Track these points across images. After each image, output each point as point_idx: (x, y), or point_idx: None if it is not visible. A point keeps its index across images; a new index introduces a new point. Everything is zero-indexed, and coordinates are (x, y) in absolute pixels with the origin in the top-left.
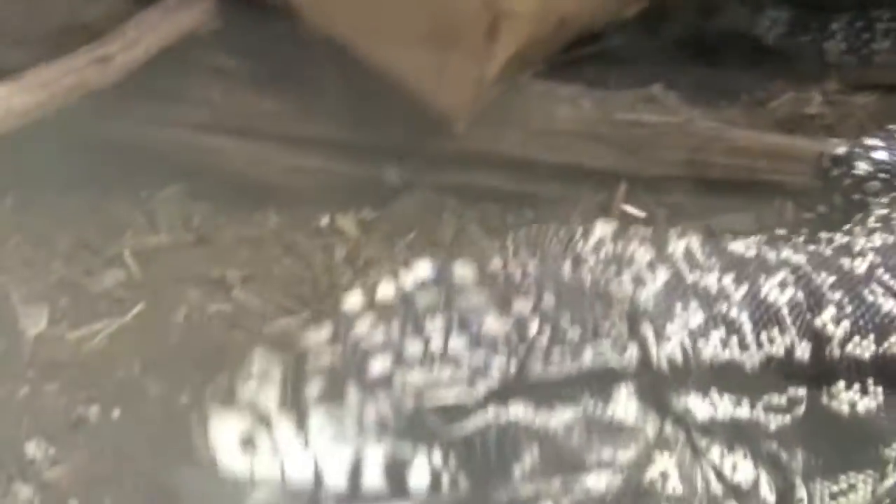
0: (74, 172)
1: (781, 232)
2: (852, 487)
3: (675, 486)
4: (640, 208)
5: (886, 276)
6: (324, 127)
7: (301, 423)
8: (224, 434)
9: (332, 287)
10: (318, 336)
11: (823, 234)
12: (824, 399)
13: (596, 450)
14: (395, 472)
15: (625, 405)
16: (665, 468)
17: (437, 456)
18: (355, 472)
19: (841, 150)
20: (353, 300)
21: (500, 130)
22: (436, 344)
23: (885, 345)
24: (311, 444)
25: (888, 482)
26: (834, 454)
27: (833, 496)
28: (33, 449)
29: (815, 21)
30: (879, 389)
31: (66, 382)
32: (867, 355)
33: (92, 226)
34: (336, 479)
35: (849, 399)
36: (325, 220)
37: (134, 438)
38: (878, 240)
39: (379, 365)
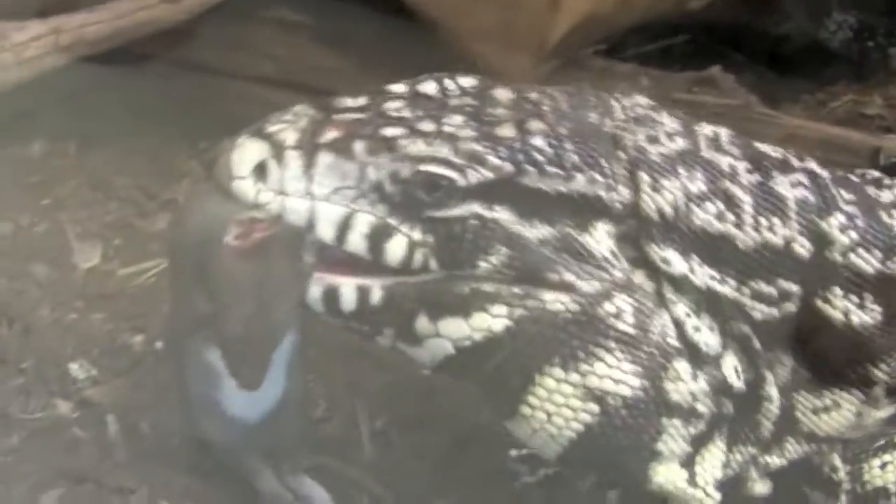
0: (137, 121)
1: None
2: (836, 405)
3: (627, 325)
4: None
5: None
6: (379, 84)
7: (308, 165)
8: (241, 159)
9: None
10: (354, 102)
11: (858, 169)
12: (818, 302)
13: (560, 272)
14: (377, 239)
15: (600, 240)
16: (622, 307)
17: (417, 233)
18: (343, 230)
19: None
20: (396, 86)
21: None
22: (447, 129)
23: (890, 264)
24: (312, 189)
25: (879, 413)
26: (821, 366)
27: (815, 411)
28: (76, 369)
29: (881, 26)
30: (877, 308)
31: (112, 313)
32: (870, 269)
33: (149, 172)
34: (324, 230)
35: (843, 307)
36: None
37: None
38: None
39: (391, 131)
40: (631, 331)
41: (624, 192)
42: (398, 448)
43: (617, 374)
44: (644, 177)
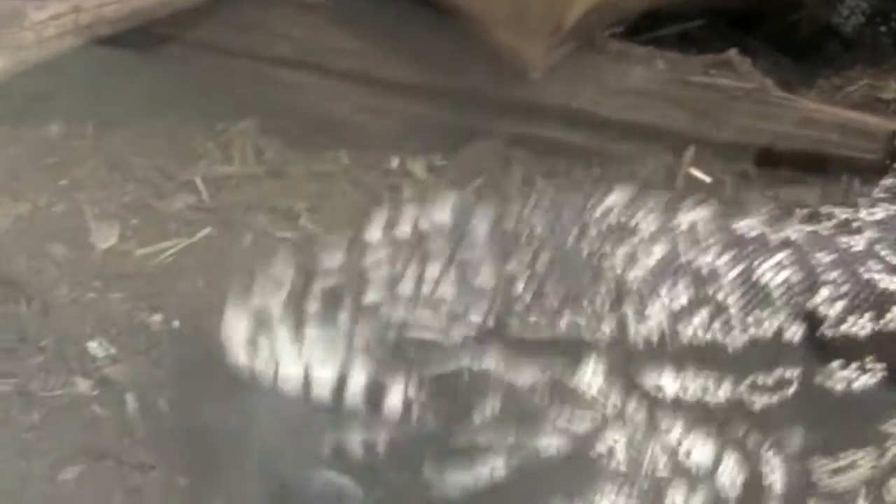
0: (155, 102)
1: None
2: (853, 464)
3: (620, 462)
4: (707, 173)
5: (885, 252)
6: (401, 69)
7: (297, 335)
8: (233, 335)
9: None
10: (332, 260)
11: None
12: (818, 379)
13: (552, 416)
14: (374, 397)
15: (590, 378)
16: (613, 444)
17: (413, 388)
18: (339, 388)
19: None
20: (371, 233)
21: (573, 85)
22: (426, 289)
23: (883, 321)
24: (303, 355)
25: (889, 455)
26: (830, 432)
27: (833, 473)
28: (95, 347)
29: (894, 12)
30: (879, 366)
31: (130, 292)
32: (864, 332)
33: (167, 153)
34: (321, 391)
35: (845, 377)
36: (395, 162)
37: (192, 348)
38: (880, 213)
39: (372, 296)
40: (624, 468)
41: (609, 326)
42: None
43: None
44: (627, 309)
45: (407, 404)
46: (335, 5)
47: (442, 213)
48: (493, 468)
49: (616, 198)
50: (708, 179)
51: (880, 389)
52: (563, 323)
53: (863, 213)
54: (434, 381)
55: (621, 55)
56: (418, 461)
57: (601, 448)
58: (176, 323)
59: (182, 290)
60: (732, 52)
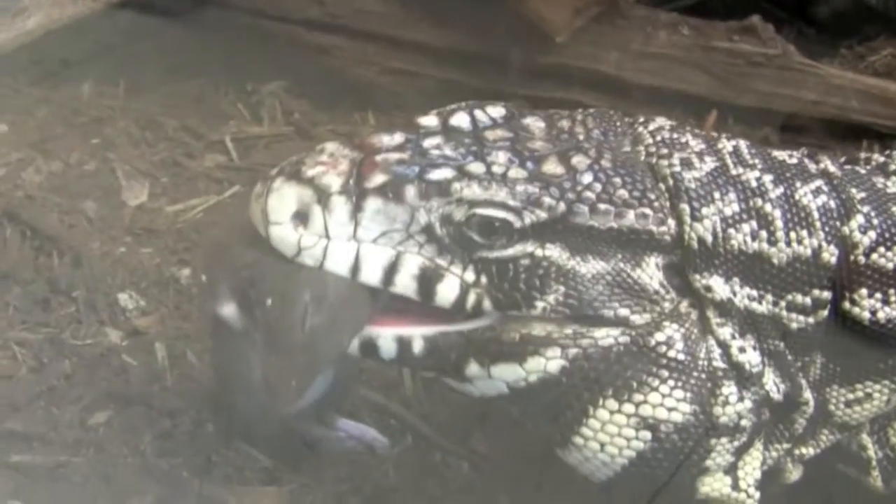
0: (185, 63)
1: None
2: (868, 396)
3: (678, 353)
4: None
5: None
6: (429, 33)
7: (355, 210)
8: (281, 204)
9: None
10: (391, 140)
11: (863, 154)
12: (846, 304)
13: (613, 307)
14: (427, 281)
15: (651, 273)
16: (672, 336)
17: (470, 274)
18: (390, 272)
19: None
20: (428, 120)
21: (598, 50)
22: (497, 169)
23: None
24: (358, 233)
25: None
26: (851, 362)
27: (848, 403)
28: (125, 299)
29: None
30: None
31: (160, 248)
32: (892, 265)
33: (197, 113)
34: (371, 273)
35: (870, 306)
36: None
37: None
38: None
39: (441, 173)
40: (681, 358)
41: (670, 224)
42: (438, 382)
43: (669, 402)
44: (685, 207)
45: (463, 291)
46: None
47: (495, 109)
48: (547, 361)
49: (662, 121)
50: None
51: None
52: (631, 216)
53: None
54: (495, 264)
55: (646, 20)
56: (462, 358)
57: (660, 338)
58: (204, 277)
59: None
60: (756, 19)
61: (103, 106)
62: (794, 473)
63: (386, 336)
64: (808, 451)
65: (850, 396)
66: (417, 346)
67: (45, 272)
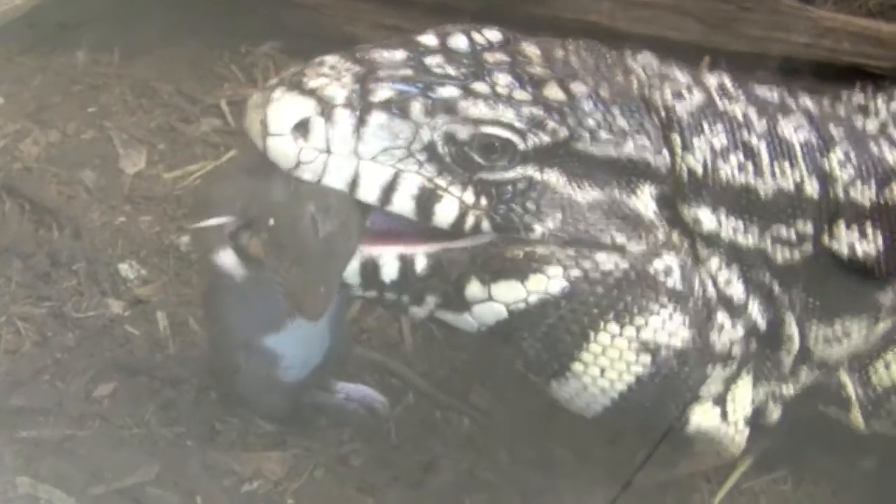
0: (178, 27)
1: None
2: (846, 334)
3: (675, 281)
4: None
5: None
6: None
7: (358, 125)
8: (282, 115)
9: None
10: (392, 56)
11: (845, 93)
12: (825, 238)
13: (611, 233)
14: (426, 201)
15: (646, 202)
16: (669, 264)
17: (469, 195)
18: (388, 191)
19: None
20: (427, 38)
21: (590, 0)
22: (502, 90)
23: (884, 193)
24: (359, 148)
25: (881, 326)
26: (831, 297)
27: (827, 340)
28: (126, 269)
29: None
30: (878, 235)
31: (159, 215)
32: (867, 201)
33: (192, 77)
34: (369, 191)
35: (848, 240)
36: None
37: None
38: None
39: (447, 91)
40: (679, 286)
41: (666, 155)
42: (438, 340)
43: (669, 327)
44: (676, 138)
45: (462, 212)
46: None
47: (491, 32)
48: (549, 279)
49: (649, 56)
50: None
51: (877, 259)
52: (630, 145)
53: (879, 103)
54: (495, 185)
55: None
56: (464, 276)
57: (658, 266)
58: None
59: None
60: None
61: (98, 73)
62: (775, 413)
63: (388, 255)
64: (789, 389)
65: (829, 333)
66: (420, 264)
67: (45, 245)
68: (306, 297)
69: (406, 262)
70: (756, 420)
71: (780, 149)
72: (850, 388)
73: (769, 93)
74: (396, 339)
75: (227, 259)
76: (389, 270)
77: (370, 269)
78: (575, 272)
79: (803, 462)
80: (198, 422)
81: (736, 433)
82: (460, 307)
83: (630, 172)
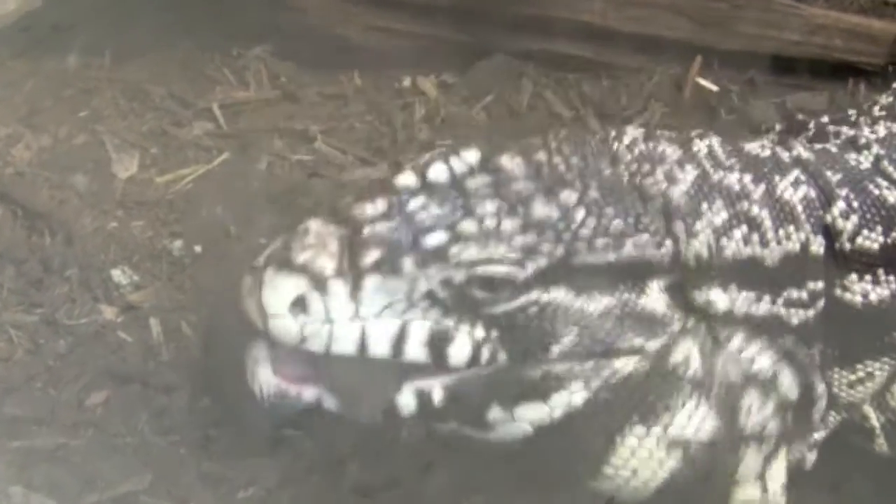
0: (170, 31)
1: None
2: (869, 375)
3: (696, 370)
4: (714, 82)
5: (891, 168)
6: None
7: (354, 290)
8: (277, 296)
9: (410, 142)
10: (374, 208)
11: (831, 128)
12: (838, 291)
13: (627, 337)
14: (438, 344)
15: (656, 297)
16: (688, 354)
17: (479, 331)
18: (399, 343)
19: None
20: (405, 179)
21: None
22: (489, 223)
23: (891, 234)
24: (360, 311)
25: None
26: (849, 344)
27: (851, 385)
28: (118, 275)
29: None
30: (891, 278)
31: (152, 220)
32: (876, 246)
33: (183, 81)
34: (379, 348)
35: (862, 290)
36: (406, 82)
37: (213, 272)
38: (882, 130)
39: (435, 238)
40: (699, 376)
41: (668, 245)
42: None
43: (695, 421)
44: (679, 225)
45: (475, 348)
46: None
47: (468, 153)
48: (571, 394)
49: (633, 132)
50: (715, 88)
51: (892, 301)
52: (629, 246)
53: (866, 131)
54: (503, 317)
55: None
56: (484, 403)
57: (676, 359)
58: (197, 248)
59: (202, 216)
60: None
61: (90, 77)
62: (811, 459)
63: (404, 391)
64: (819, 435)
65: (852, 377)
66: (437, 396)
67: (37, 251)
68: (364, 399)
69: (423, 397)
70: (793, 474)
71: (782, 212)
72: (874, 419)
73: (760, 151)
74: None
75: (262, 372)
76: (407, 405)
77: (389, 410)
78: (596, 382)
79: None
80: (191, 429)
81: (777, 501)
82: (484, 427)
83: (635, 271)
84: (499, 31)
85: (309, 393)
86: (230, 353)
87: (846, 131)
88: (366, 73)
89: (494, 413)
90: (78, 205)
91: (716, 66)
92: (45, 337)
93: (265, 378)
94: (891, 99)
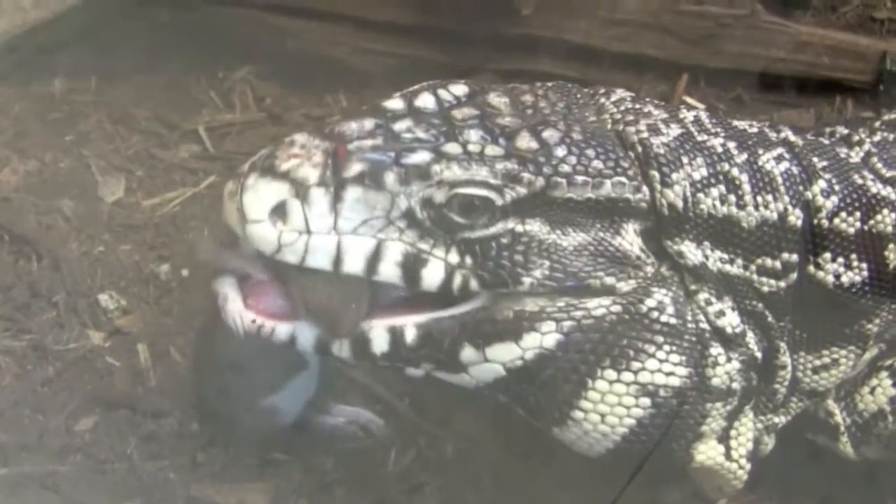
0: (155, 53)
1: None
2: (835, 362)
3: (668, 317)
4: (701, 100)
5: (879, 165)
6: (394, 10)
7: (334, 201)
8: (258, 201)
9: None
10: (361, 126)
11: (828, 128)
12: (811, 268)
13: (599, 275)
14: (411, 266)
15: (631, 240)
16: (662, 300)
17: (454, 256)
18: (373, 261)
19: None
20: (393, 103)
21: (566, 18)
22: (473, 148)
23: (869, 222)
24: (339, 224)
25: (867, 355)
26: (819, 327)
27: (815, 370)
28: (106, 300)
29: None
30: (863, 265)
31: (139, 243)
32: (853, 230)
33: (169, 103)
34: (354, 264)
35: (834, 270)
36: None
37: (200, 295)
38: (878, 136)
39: (418, 157)
40: (673, 322)
41: (646, 191)
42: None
43: (667, 367)
44: (655, 174)
45: (448, 273)
46: None
47: (457, 87)
48: (543, 335)
49: (622, 92)
50: (702, 106)
51: (864, 288)
52: (608, 185)
53: (863, 135)
54: (478, 243)
55: None
56: (457, 343)
57: (650, 303)
58: (184, 272)
59: (190, 240)
60: None
61: (76, 100)
62: (770, 444)
63: (377, 328)
64: (780, 419)
65: (818, 363)
66: (410, 335)
67: (24, 277)
68: (339, 317)
69: (396, 335)
70: (752, 454)
71: (762, 180)
72: (839, 416)
73: (748, 127)
74: None
75: (233, 307)
76: (380, 343)
77: (360, 343)
78: (568, 323)
79: (790, 480)
80: (180, 454)
81: (739, 469)
82: (456, 369)
83: (611, 212)
84: (484, 51)
85: (282, 329)
86: (219, 377)
87: (841, 130)
88: (351, 94)
89: (467, 354)
90: (65, 229)
91: (702, 83)
92: (32, 363)
93: (236, 311)
94: (893, 115)
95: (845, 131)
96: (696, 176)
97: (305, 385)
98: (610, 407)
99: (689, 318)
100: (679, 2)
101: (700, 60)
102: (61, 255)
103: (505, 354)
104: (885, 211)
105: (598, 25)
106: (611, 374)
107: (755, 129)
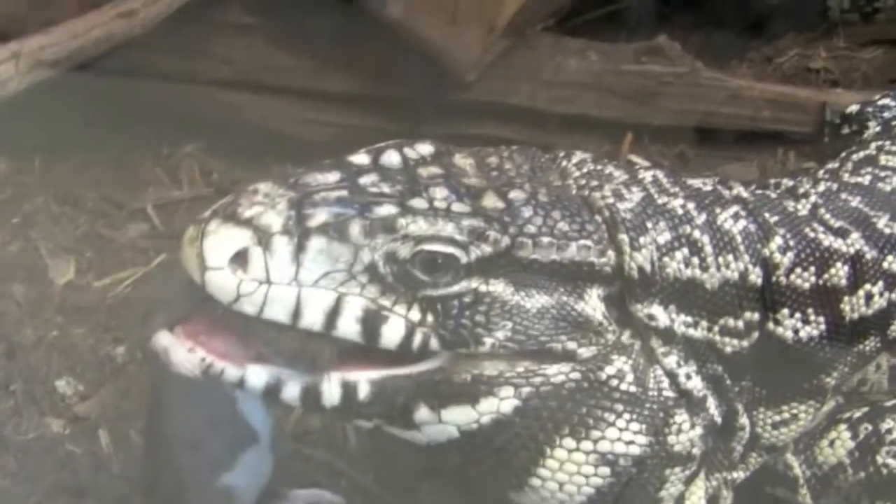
0: (97, 128)
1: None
2: (794, 417)
3: (629, 386)
4: (646, 158)
5: (828, 216)
6: (339, 81)
7: (297, 251)
8: (219, 247)
9: None
10: (325, 178)
11: (772, 180)
12: (770, 325)
13: (561, 340)
14: (372, 323)
15: (594, 305)
16: (622, 368)
17: (415, 313)
18: (333, 316)
19: (853, 107)
20: (358, 158)
21: (509, 82)
22: (440, 204)
23: (824, 276)
24: (300, 275)
25: (826, 408)
26: (779, 383)
27: (775, 425)
28: (63, 385)
29: None
30: (820, 319)
31: (92, 326)
32: (808, 285)
33: (116, 182)
34: (313, 317)
35: (792, 326)
36: None
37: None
38: (822, 186)
39: (384, 209)
40: (633, 390)
41: (611, 256)
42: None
43: (627, 436)
44: (624, 238)
45: (409, 331)
46: (270, 24)
47: (423, 146)
48: (500, 401)
49: (582, 154)
50: (647, 164)
51: (821, 342)
52: (573, 248)
53: (807, 185)
54: (440, 301)
55: (554, 49)
56: (411, 402)
57: (610, 371)
58: (140, 353)
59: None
60: (662, 38)
61: (20, 181)
62: (728, 499)
63: (330, 381)
64: (739, 475)
65: (777, 418)
66: (364, 391)
67: None
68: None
69: (349, 389)
70: None
71: (722, 240)
72: (797, 469)
73: (702, 185)
74: (341, 438)
75: (177, 354)
76: (331, 396)
77: (312, 395)
78: (526, 389)
79: None
80: None
81: None
82: (408, 426)
83: (576, 276)
84: (430, 117)
85: (232, 370)
86: (169, 455)
87: (787, 182)
88: (299, 165)
89: (421, 414)
90: (17, 314)
91: (646, 141)
92: None
93: (181, 355)
94: (836, 164)
95: (790, 183)
96: (661, 240)
97: (259, 460)
98: (569, 475)
99: (651, 385)
100: (620, 62)
101: (643, 118)
102: (16, 341)
103: (461, 417)
104: (839, 264)
105: (541, 88)
106: (570, 442)
107: (709, 188)
